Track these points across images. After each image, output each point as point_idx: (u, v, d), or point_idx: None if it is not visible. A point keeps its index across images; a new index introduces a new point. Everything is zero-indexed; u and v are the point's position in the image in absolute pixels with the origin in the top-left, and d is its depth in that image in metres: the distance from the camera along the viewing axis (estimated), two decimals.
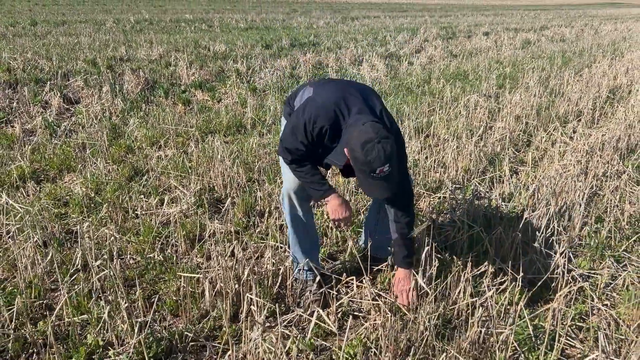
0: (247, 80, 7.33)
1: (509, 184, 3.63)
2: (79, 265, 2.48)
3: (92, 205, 3.28)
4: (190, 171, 3.70)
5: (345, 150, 1.99)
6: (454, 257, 2.64)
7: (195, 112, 5.47)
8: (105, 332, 2.13)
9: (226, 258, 2.39)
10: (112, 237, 2.76)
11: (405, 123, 4.77)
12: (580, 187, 3.26)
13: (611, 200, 3.33)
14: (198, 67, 7.81)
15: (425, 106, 5.67)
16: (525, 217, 2.95)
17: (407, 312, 2.20)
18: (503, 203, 3.39)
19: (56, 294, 2.43)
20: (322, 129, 2.05)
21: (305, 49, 10.58)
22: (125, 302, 2.13)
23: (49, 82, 6.23)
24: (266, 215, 3.17)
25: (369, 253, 2.76)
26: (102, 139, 4.22)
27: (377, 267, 2.60)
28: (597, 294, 2.52)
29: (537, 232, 2.88)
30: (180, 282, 2.39)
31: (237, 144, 4.43)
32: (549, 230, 2.82)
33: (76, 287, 2.37)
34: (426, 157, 4.08)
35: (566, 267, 2.38)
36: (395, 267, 2.37)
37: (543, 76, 7.78)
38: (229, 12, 25.02)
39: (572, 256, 2.76)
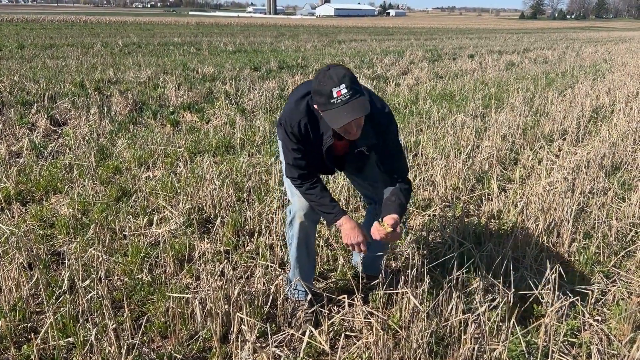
0: (235, 101, 7.37)
1: (498, 201, 3.66)
2: (66, 287, 2.43)
3: (79, 226, 3.23)
4: (179, 191, 3.68)
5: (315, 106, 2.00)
6: (445, 274, 2.63)
7: (184, 133, 5.47)
8: (92, 355, 2.07)
9: (216, 278, 2.36)
10: (100, 259, 2.71)
11: None
12: (567, 203, 3.29)
13: (598, 217, 3.37)
14: (187, 88, 7.84)
15: (413, 126, 5.73)
16: (515, 233, 2.96)
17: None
18: (492, 220, 3.41)
19: (41, 317, 2.38)
20: (300, 125, 2.07)
21: (293, 71, 10.68)
22: (113, 324, 2.09)
23: (35, 104, 6.19)
24: (256, 234, 3.15)
25: (360, 271, 2.75)
26: (89, 160, 4.19)
27: (368, 285, 2.58)
28: (588, 309, 2.53)
29: (527, 248, 2.90)
30: (169, 302, 2.35)
31: (227, 164, 4.43)
32: (538, 246, 2.84)
33: (62, 309, 2.32)
34: (415, 176, 4.10)
35: (557, 282, 2.38)
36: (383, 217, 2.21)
37: (528, 96, 7.92)
38: (217, 35, 25.27)
39: (562, 272, 2.77)
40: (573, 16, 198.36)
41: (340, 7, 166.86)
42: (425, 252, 2.99)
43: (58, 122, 5.94)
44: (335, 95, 1.84)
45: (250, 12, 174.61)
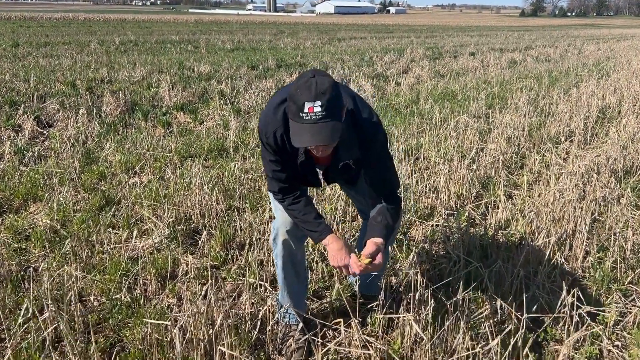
0: (231, 101, 7.14)
1: (505, 210, 3.44)
2: (32, 311, 2.21)
3: (57, 238, 3.01)
4: (165, 200, 3.46)
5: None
6: (450, 293, 2.41)
7: (175, 135, 5.24)
8: None
9: (198, 302, 2.14)
10: (74, 277, 2.49)
11: (395, 146, 4.58)
12: (580, 214, 3.07)
13: (613, 228, 3.15)
14: (181, 88, 7.61)
15: (414, 127, 5.51)
16: (525, 247, 2.74)
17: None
18: (500, 231, 3.19)
19: (2, 345, 2.16)
20: (275, 135, 1.84)
21: (291, 70, 10.45)
22: (87, 352, 1.87)
23: (22, 105, 5.97)
24: (246, 247, 2.93)
25: (357, 290, 2.53)
26: (72, 166, 3.97)
27: (366, 307, 2.37)
28: (606, 333, 2.31)
29: (538, 265, 2.68)
30: (147, 328, 2.13)
31: (218, 168, 4.20)
32: (551, 263, 2.62)
33: (29, 335, 2.10)
34: (417, 182, 3.88)
35: (574, 306, 2.16)
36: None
37: (532, 96, 7.69)
38: (215, 33, 25.02)
39: (578, 293, 2.55)
40: (573, 13, 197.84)
41: (340, 4, 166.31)
42: (428, 266, 2.77)
43: (46, 124, 5.72)
44: (306, 110, 1.61)
45: (250, 9, 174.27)
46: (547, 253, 2.70)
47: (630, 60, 14.85)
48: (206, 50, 14.98)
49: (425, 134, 5.31)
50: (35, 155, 4.39)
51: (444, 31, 36.53)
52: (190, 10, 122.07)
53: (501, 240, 3.07)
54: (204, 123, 6.04)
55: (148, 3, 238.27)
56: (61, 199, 3.50)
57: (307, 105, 1.60)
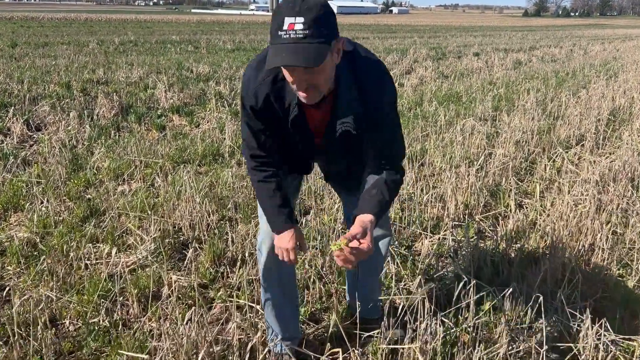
0: (228, 103, 6.93)
1: (516, 221, 3.21)
2: None
3: (36, 253, 2.80)
4: (152, 210, 3.24)
5: None
6: (459, 317, 2.19)
7: (169, 140, 5.03)
8: None
9: (181, 329, 1.92)
10: (47, 298, 2.28)
11: None
12: (599, 227, 2.85)
13: (635, 242, 2.92)
14: (178, 89, 7.40)
15: (418, 131, 5.29)
16: (540, 266, 2.52)
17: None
18: (511, 245, 2.96)
19: None
20: (257, 94, 1.55)
21: None
22: None
23: (12, 107, 5.77)
24: (238, 263, 2.72)
25: (357, 315, 2.31)
26: (57, 172, 3.76)
27: (367, 334, 2.15)
28: None
29: (555, 284, 2.45)
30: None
31: (212, 175, 3.99)
32: (572, 283, 2.39)
33: None
34: (422, 190, 3.65)
35: (598, 335, 1.94)
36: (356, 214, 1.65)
37: (539, 98, 7.46)
38: (217, 33, 24.83)
39: (600, 319, 2.33)
40: (577, 14, 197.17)
41: (343, 4, 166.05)
42: (435, 286, 2.55)
43: (36, 127, 5.51)
44: (285, 27, 1.29)
45: (252, 9, 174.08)
46: (565, 271, 2.48)
47: (638, 60, 14.59)
48: (207, 51, 14.78)
49: (430, 138, 5.09)
50: (20, 161, 4.17)
51: (447, 31, 36.28)
52: (192, 11, 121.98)
53: (513, 255, 2.85)
54: (201, 125, 5.83)
55: (151, 3, 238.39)
56: (44, 209, 3.29)
57: (287, 21, 1.29)
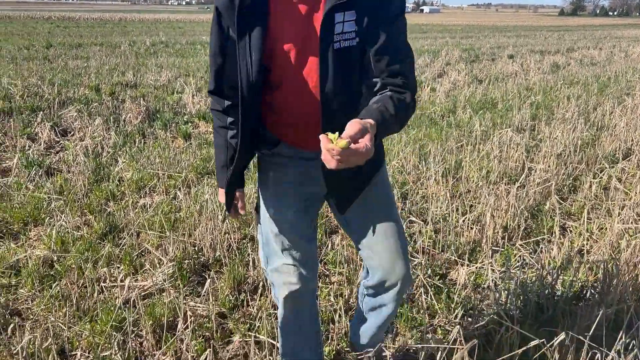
0: None
1: (561, 248, 2.96)
2: None
3: (52, 274, 2.70)
4: (172, 229, 3.11)
5: None
6: None
7: (194, 149, 4.92)
8: None
9: None
10: (59, 327, 2.16)
11: (431, 166, 4.12)
12: None
13: None
14: (205, 94, 7.31)
15: (452, 142, 5.03)
16: (592, 308, 2.27)
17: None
18: (557, 278, 2.71)
19: None
20: None
21: None
22: None
23: (41, 112, 5.77)
24: (260, 290, 2.55)
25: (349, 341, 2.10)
26: (77, 185, 3.68)
27: None
28: None
29: (610, 328, 2.20)
30: None
31: None
32: (630, 331, 2.14)
33: None
34: (457, 210, 3.42)
35: None
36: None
37: (581, 106, 7.08)
38: None
39: None
40: (615, 13, 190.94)
41: None
42: (472, 325, 2.33)
43: (63, 132, 5.49)
44: None
45: None
46: (622, 315, 2.22)
47: None
48: None
49: (465, 149, 4.83)
50: (45, 170, 4.12)
51: (479, 31, 35.51)
52: None
53: (559, 292, 2.59)
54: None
55: (184, 3, 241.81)
56: (64, 223, 3.19)
57: None
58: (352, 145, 1.07)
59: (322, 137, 1.07)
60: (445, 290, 2.62)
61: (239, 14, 1.29)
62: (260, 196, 1.65)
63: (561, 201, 3.88)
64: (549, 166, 4.32)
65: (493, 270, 2.77)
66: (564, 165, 4.46)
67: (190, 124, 5.96)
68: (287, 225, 1.59)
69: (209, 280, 2.45)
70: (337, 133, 1.09)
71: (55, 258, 2.83)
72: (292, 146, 1.53)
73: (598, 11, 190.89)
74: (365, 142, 1.10)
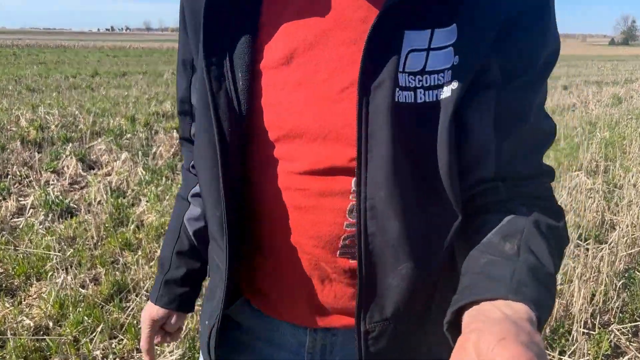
0: None
1: None
2: None
3: (43, 348, 2.26)
4: None
5: None
6: None
7: None
8: None
9: None
10: None
11: None
12: None
13: None
14: None
15: None
16: None
17: None
18: None
19: None
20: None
21: None
22: None
23: (70, 144, 5.53)
24: None
25: None
26: (90, 232, 3.29)
27: None
28: None
29: None
30: None
31: None
32: None
33: None
34: None
35: None
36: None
37: None
38: None
39: None
40: None
41: None
42: None
43: (90, 166, 5.21)
44: None
45: None
46: None
47: None
48: None
49: None
50: (63, 209, 3.77)
51: None
52: None
53: None
54: None
55: None
56: (69, 279, 2.78)
57: None
58: None
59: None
60: None
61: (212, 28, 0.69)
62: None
63: None
64: (637, 220, 3.64)
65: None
66: None
67: None
68: None
69: None
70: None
71: (51, 325, 2.40)
72: (266, 314, 0.78)
73: None
74: None
